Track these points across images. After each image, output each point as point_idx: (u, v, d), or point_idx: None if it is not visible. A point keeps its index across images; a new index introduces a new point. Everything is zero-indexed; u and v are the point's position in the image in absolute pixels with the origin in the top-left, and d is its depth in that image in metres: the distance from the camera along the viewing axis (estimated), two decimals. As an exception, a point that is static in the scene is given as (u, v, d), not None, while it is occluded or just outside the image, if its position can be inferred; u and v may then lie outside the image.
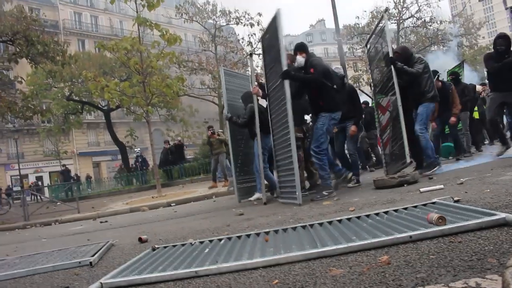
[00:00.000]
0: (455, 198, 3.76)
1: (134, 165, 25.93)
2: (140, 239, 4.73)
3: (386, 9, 7.75)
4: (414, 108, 6.98)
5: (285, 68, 5.81)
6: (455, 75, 10.20)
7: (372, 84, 8.24)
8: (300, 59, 6.08)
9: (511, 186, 4.11)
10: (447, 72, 11.17)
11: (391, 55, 6.66)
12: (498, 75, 7.05)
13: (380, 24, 7.45)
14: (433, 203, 3.59)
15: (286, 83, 5.77)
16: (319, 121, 6.02)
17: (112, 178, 29.37)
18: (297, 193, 5.66)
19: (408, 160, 6.38)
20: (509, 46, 6.90)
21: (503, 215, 2.63)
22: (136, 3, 13.48)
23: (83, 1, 48.51)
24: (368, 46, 8.38)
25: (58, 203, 15.03)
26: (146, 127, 15.67)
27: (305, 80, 6.06)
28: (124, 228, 7.04)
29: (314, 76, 5.91)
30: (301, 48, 6.19)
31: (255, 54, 21.48)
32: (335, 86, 6.13)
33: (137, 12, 13.52)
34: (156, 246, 3.87)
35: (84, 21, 47.73)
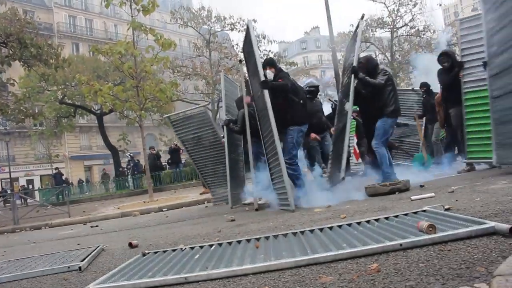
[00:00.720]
0: (446, 207, 3.78)
1: (126, 169, 25.82)
2: (130, 244, 4.70)
3: (362, 16, 7.73)
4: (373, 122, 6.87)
5: (262, 78, 5.96)
6: (426, 86, 10.19)
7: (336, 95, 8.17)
8: (270, 74, 6.36)
9: (501, 195, 4.13)
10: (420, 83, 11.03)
11: (355, 64, 6.63)
12: (449, 89, 7.51)
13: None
14: (424, 211, 3.60)
15: (266, 92, 5.88)
16: (288, 134, 6.30)
17: (100, 183, 29.34)
18: (289, 200, 5.67)
19: (343, 175, 6.31)
20: (453, 61, 7.10)
21: (492, 223, 2.64)
22: (131, 8, 13.49)
23: (78, 4, 48.44)
24: (346, 53, 8.39)
25: (49, 207, 14.92)
26: (139, 131, 15.66)
27: (282, 87, 6.21)
28: (115, 233, 7.00)
29: (286, 82, 6.21)
30: (270, 63, 6.53)
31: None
32: (301, 101, 6.43)
33: (132, 16, 13.52)
34: (147, 251, 3.85)
35: (79, 25, 47.64)
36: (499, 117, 5.93)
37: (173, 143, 23.04)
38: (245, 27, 21.53)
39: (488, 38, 6.07)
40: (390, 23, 33.36)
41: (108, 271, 3.27)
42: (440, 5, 30.10)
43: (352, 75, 6.56)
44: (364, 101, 6.77)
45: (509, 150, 5.65)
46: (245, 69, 8.17)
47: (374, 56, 7.46)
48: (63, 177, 28.87)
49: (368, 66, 6.73)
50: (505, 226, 2.54)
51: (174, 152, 20.73)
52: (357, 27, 7.50)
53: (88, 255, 4.26)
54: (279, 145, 5.78)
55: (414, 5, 27.53)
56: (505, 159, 5.86)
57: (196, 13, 24.74)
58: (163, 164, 22.65)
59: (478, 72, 6.65)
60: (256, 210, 6.60)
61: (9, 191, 28.35)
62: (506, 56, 5.56)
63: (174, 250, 3.76)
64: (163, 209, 10.65)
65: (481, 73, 6.47)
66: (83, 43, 46.37)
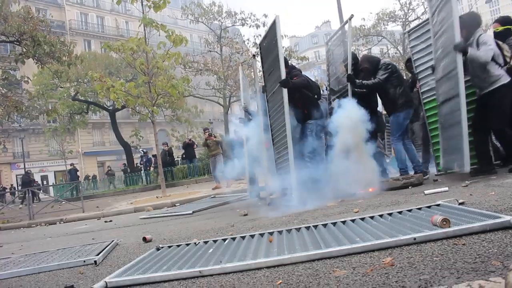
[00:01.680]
0: (460, 201, 3.76)
1: (139, 165, 26.00)
2: (144, 239, 4.75)
3: (351, 16, 7.49)
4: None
5: (283, 75, 5.91)
6: None
7: (328, 89, 7.99)
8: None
9: (516, 189, 4.10)
10: None
11: (350, 66, 6.61)
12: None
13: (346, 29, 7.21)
14: (438, 205, 3.58)
15: (285, 90, 5.87)
16: (307, 128, 6.42)
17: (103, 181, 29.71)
18: (293, 195, 5.76)
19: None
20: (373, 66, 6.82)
21: (507, 217, 2.62)
22: (142, 4, 13.52)
23: (90, 1, 48.72)
24: (329, 45, 8.15)
25: (63, 202, 15.09)
26: (151, 127, 15.73)
27: (301, 84, 6.33)
28: (129, 228, 7.06)
29: (302, 79, 6.37)
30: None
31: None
32: (315, 96, 6.62)
33: (143, 13, 13.55)
34: (161, 245, 3.89)
35: (90, 22, 47.93)
36: (443, 122, 5.97)
37: (187, 138, 23.12)
38: (256, 22, 21.27)
39: (434, 41, 6.08)
40: (402, 16, 33.04)
41: (123, 265, 3.31)
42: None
43: (349, 84, 6.57)
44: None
45: (451, 155, 5.68)
46: (258, 64, 8.11)
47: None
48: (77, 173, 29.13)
49: (374, 66, 6.69)
50: (520, 220, 2.52)
51: (188, 147, 20.81)
52: (344, 23, 7.37)
53: (103, 250, 4.32)
54: (290, 138, 5.78)
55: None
56: (448, 163, 5.89)
57: (207, 8, 24.71)
58: (175, 159, 22.75)
59: (431, 81, 6.51)
60: (269, 205, 6.61)
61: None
62: (447, 61, 5.56)
63: (187, 244, 3.79)
64: (176, 204, 10.71)
65: (433, 81, 6.37)
66: (95, 40, 46.67)
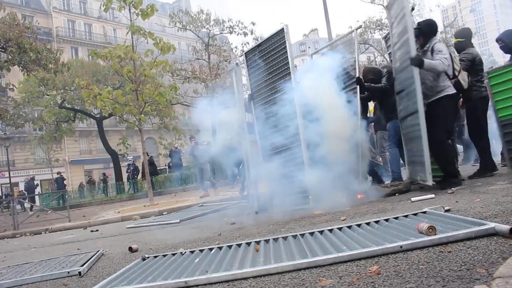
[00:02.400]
0: (446, 208, 3.78)
1: (128, 173, 25.84)
2: (130, 249, 4.70)
3: (359, 27, 7.53)
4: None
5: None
6: None
7: None
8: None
9: (501, 195, 4.13)
10: None
11: (357, 69, 6.53)
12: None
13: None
14: (424, 212, 3.60)
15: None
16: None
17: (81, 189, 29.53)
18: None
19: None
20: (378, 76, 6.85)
21: (492, 224, 2.64)
22: (130, 12, 13.48)
23: (77, 9, 48.48)
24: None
25: (49, 212, 14.90)
26: (138, 135, 15.64)
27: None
28: (115, 237, 6.99)
29: None
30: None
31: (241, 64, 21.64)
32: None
33: (131, 20, 13.51)
34: (146, 255, 3.85)
35: (78, 29, 47.66)
36: (405, 135, 6.15)
37: (174, 146, 23.03)
38: (244, 30, 21.23)
39: (393, 52, 6.25)
40: (388, 25, 33.35)
41: (108, 276, 3.27)
42: (438, 6, 29.84)
43: (358, 87, 6.42)
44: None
45: (415, 167, 5.80)
46: (243, 71, 8.08)
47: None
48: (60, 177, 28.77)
49: (376, 76, 6.73)
50: (505, 227, 2.53)
51: (175, 155, 20.72)
52: (350, 32, 7.44)
53: (88, 260, 4.26)
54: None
55: (412, 9, 27.65)
56: (413, 174, 6.01)
57: (194, 16, 24.72)
58: (157, 168, 22.62)
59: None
60: (256, 213, 6.58)
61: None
62: (404, 75, 5.70)
63: (174, 254, 3.75)
64: (163, 213, 10.63)
65: None
66: (82, 48, 46.39)
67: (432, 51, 5.41)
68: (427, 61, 5.25)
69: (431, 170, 5.20)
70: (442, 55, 5.27)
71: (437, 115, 5.45)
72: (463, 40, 6.35)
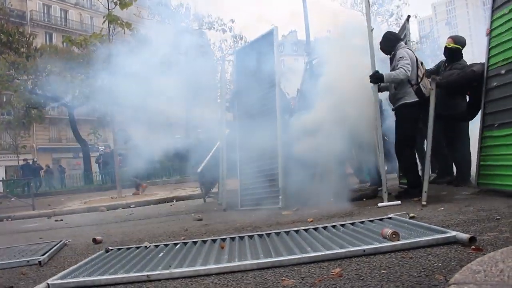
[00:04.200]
0: (411, 214, 3.85)
1: (96, 163, 25.41)
2: (94, 240, 4.62)
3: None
4: None
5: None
6: None
7: None
8: None
9: (464, 205, 4.23)
10: None
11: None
12: None
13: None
14: (389, 218, 3.65)
15: None
16: None
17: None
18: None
19: None
20: None
21: (453, 233, 2.70)
22: (108, 1, 13.24)
23: (53, -7, 47.36)
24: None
25: (13, 199, 14.52)
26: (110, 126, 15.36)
27: None
28: (80, 228, 6.85)
29: None
30: None
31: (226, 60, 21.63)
32: None
33: (108, 9, 13.28)
34: (110, 247, 3.79)
35: (53, 14, 46.52)
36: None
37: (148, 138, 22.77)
38: (223, 27, 21.02)
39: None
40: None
41: (69, 267, 3.20)
42: (416, 16, 30.40)
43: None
44: None
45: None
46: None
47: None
48: (37, 165, 27.92)
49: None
50: (465, 236, 2.60)
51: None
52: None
53: (50, 250, 4.16)
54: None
55: (391, 15, 28.02)
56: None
57: (174, 10, 24.52)
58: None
59: None
60: (224, 210, 6.58)
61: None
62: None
63: (138, 248, 3.71)
64: (131, 206, 10.50)
65: None
66: (57, 34, 45.28)
67: (395, 58, 5.37)
68: (386, 74, 5.19)
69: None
70: (403, 62, 5.17)
71: (397, 122, 5.55)
72: (461, 48, 5.98)
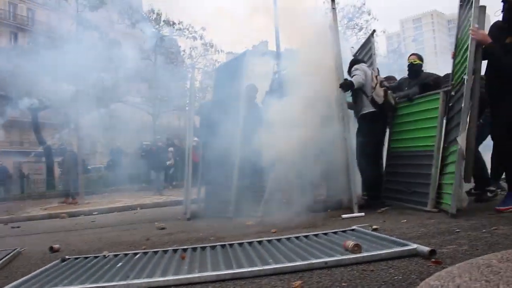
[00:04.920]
0: (374, 226, 3.87)
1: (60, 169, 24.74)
2: (51, 248, 4.45)
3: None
4: None
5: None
6: None
7: None
8: None
9: (425, 218, 4.30)
10: None
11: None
12: None
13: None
14: (353, 230, 3.66)
15: None
16: None
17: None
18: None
19: None
20: None
21: (414, 245, 2.72)
22: (77, 3, 13.02)
23: (20, -8, 46.17)
24: None
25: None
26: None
27: None
28: (37, 235, 6.62)
29: None
30: None
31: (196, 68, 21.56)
32: None
33: (77, 11, 13.05)
34: (67, 257, 3.65)
35: (20, 14, 45.37)
36: None
37: (115, 145, 22.44)
38: (194, 34, 20.90)
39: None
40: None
41: (22, 277, 3.05)
42: (384, 32, 31.05)
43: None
44: None
45: None
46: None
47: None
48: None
49: None
50: (426, 249, 2.62)
51: (115, 154, 20.19)
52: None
53: (2, 259, 3.99)
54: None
55: (360, 30, 28.52)
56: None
57: (145, 15, 24.22)
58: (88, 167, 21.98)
59: None
60: (188, 219, 6.48)
61: None
62: None
63: (96, 257, 3.59)
64: (94, 213, 10.25)
65: None
66: (23, 33, 44.14)
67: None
68: (353, 79, 5.50)
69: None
70: (355, 72, 5.56)
71: (356, 135, 5.75)
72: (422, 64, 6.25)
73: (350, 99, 5.91)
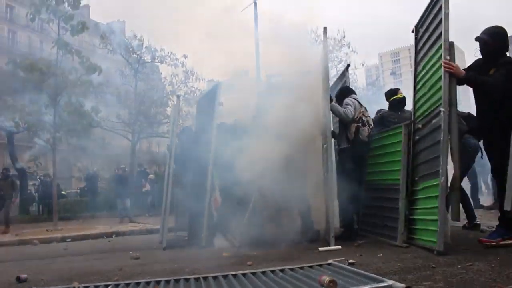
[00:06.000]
0: (350, 261, 3.85)
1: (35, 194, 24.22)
2: (18, 278, 4.29)
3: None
4: None
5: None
6: None
7: None
8: None
9: (402, 252, 4.31)
10: None
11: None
12: None
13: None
14: (329, 264, 3.63)
15: None
16: None
17: None
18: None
19: None
20: None
21: (390, 282, 2.71)
22: (58, 26, 12.95)
23: (2, 13, 45.89)
24: None
25: None
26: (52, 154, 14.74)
27: None
28: (6, 264, 6.39)
29: None
30: None
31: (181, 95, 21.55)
32: None
33: (58, 35, 12.98)
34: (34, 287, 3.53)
35: (0, 34, 45.02)
36: None
37: (92, 169, 22.12)
38: (175, 61, 20.95)
39: None
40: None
41: (-16, 309, 2.94)
42: (363, 64, 31.59)
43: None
44: None
45: None
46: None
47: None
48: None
49: None
50: (401, 286, 2.62)
51: (91, 179, 19.92)
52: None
53: (-34, 288, 3.83)
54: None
55: (340, 62, 29.04)
56: None
57: (127, 41, 24.22)
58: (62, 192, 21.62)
59: None
60: (164, 249, 6.36)
61: None
62: None
63: (65, 289, 3.47)
64: (67, 240, 9.99)
65: None
66: (2, 56, 43.69)
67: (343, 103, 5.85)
68: (345, 112, 5.67)
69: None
70: (348, 108, 5.66)
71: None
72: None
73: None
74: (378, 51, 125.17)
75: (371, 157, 5.86)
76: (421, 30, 5.02)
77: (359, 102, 5.81)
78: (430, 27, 4.68)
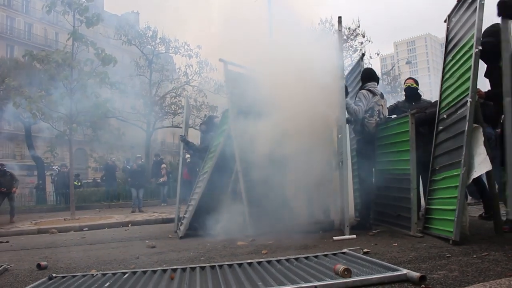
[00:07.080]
0: (364, 250, 3.86)
1: (51, 183, 24.58)
2: (39, 265, 4.40)
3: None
4: None
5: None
6: None
7: None
8: None
9: (417, 241, 4.29)
10: None
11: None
12: None
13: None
14: (343, 253, 3.65)
15: None
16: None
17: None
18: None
19: None
20: None
21: (404, 271, 2.71)
22: (74, 18, 13.04)
23: (18, 6, 46.37)
24: None
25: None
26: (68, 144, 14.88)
27: None
28: (26, 251, 6.52)
29: None
30: None
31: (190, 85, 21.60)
32: None
33: (74, 27, 13.07)
34: (54, 275, 3.61)
35: (17, 27, 45.51)
36: None
37: (110, 159, 22.32)
38: (190, 52, 20.93)
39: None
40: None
41: (7, 295, 3.02)
42: (378, 54, 31.24)
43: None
44: None
45: None
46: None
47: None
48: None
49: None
50: (415, 275, 2.62)
51: (109, 169, 20.16)
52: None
53: (-12, 275, 3.93)
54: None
55: (354, 51, 28.76)
56: None
57: (141, 32, 24.30)
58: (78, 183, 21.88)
59: None
60: (180, 238, 6.43)
61: None
62: None
63: (84, 276, 3.55)
64: (84, 229, 10.14)
65: None
66: (19, 47, 44.20)
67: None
68: (348, 101, 5.76)
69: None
70: (359, 103, 5.70)
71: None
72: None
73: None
74: (393, 40, 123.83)
75: (380, 146, 5.84)
76: (454, 20, 4.97)
77: (373, 92, 5.76)
78: (463, 17, 4.61)
